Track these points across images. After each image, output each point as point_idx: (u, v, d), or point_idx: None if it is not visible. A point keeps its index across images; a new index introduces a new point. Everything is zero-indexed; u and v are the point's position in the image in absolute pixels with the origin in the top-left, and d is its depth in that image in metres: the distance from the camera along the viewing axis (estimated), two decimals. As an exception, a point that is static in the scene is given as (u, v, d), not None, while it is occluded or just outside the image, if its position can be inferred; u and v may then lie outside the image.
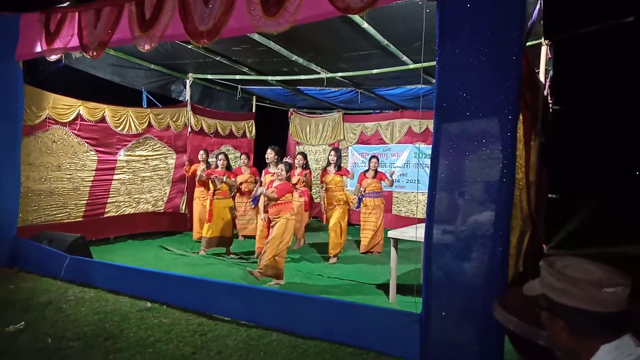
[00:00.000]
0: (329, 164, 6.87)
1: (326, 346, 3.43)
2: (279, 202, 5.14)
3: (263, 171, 6.84)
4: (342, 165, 6.97)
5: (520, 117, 2.99)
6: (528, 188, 3.50)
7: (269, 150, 6.57)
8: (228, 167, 6.92)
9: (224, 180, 6.60)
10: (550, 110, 3.77)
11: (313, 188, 7.48)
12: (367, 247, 6.88)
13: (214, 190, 6.60)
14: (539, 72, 4.04)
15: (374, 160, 6.92)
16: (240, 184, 7.39)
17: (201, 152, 7.33)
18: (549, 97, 3.87)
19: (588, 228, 2.90)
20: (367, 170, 6.93)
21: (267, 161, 6.58)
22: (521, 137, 3.12)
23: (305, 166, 6.97)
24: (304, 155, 7.08)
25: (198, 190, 7.30)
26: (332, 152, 6.85)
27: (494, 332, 2.90)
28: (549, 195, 3.28)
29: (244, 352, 3.34)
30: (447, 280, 3.10)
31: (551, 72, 3.87)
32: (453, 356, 3.09)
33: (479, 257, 2.94)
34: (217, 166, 6.83)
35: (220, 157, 6.85)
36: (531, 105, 3.46)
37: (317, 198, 9.46)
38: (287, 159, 6.14)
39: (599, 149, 2.97)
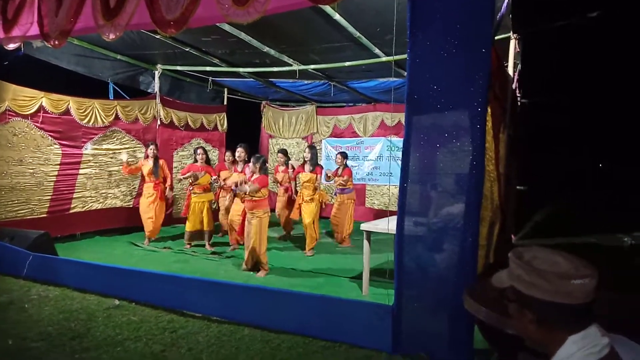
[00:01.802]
0: (304, 161, 6.85)
1: (299, 340, 3.42)
2: (254, 198, 5.18)
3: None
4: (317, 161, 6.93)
5: (489, 110, 3.03)
6: (499, 180, 3.56)
7: (239, 149, 6.54)
8: (207, 162, 6.78)
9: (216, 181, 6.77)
10: (519, 103, 3.84)
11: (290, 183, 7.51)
12: (339, 240, 7.11)
13: (192, 184, 6.53)
14: (507, 65, 4.10)
15: (339, 156, 7.02)
16: (224, 180, 7.14)
17: (151, 146, 6.79)
18: (517, 90, 3.94)
19: (555, 219, 2.96)
20: (338, 168, 7.04)
21: (237, 159, 6.57)
22: (490, 129, 3.16)
23: (286, 163, 7.15)
24: (285, 152, 7.28)
25: (146, 186, 6.91)
26: (307, 150, 6.83)
27: (464, 322, 2.94)
28: (517, 187, 3.34)
29: (216, 347, 3.29)
30: (419, 271, 3.13)
31: (519, 66, 3.94)
32: (424, 346, 3.13)
33: (449, 249, 2.98)
34: (195, 161, 6.68)
35: (198, 151, 6.70)
36: (500, 97, 3.50)
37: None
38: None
39: (566, 141, 3.04)
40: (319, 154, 9.33)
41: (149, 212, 6.73)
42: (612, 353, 1.05)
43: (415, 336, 3.16)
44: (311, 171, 6.65)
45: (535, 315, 1.09)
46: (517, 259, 1.13)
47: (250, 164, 5.47)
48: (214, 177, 6.82)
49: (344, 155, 7.03)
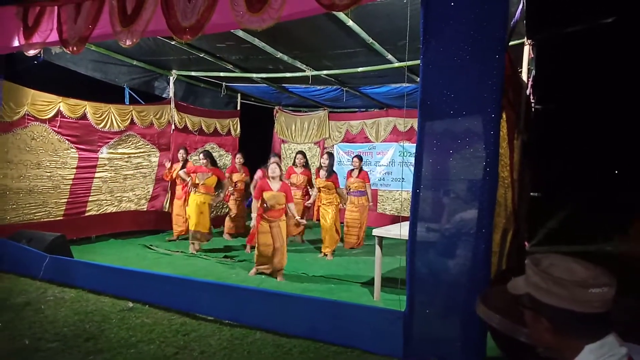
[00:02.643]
0: (320, 167, 6.87)
1: (310, 345, 3.42)
2: (282, 206, 5.36)
3: (260, 171, 6.85)
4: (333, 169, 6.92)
5: (504, 116, 3.02)
6: (513, 186, 3.54)
7: (299, 156, 7.09)
8: (213, 164, 6.88)
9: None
10: (533, 109, 3.81)
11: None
12: (352, 245, 7.07)
13: (194, 184, 6.63)
14: (521, 71, 4.08)
15: (355, 159, 7.07)
16: (235, 183, 7.52)
17: (181, 151, 7.39)
18: (531, 97, 3.92)
19: (569, 226, 2.93)
20: (353, 170, 7.08)
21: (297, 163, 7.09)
22: (505, 136, 3.14)
23: (306, 165, 7.19)
24: (304, 155, 7.28)
25: (178, 189, 7.33)
26: (325, 156, 6.83)
27: (476, 329, 2.92)
28: (531, 194, 3.31)
29: (228, 351, 3.31)
30: (431, 277, 3.12)
31: (533, 72, 3.91)
32: (436, 352, 3.11)
33: (462, 255, 2.96)
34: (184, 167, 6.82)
35: (201, 155, 6.82)
36: (514, 104, 3.49)
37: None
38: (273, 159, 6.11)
39: (581, 148, 3.01)
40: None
41: (180, 212, 7.17)
42: None
43: (427, 342, 3.14)
44: (327, 178, 6.65)
45: (552, 323, 1.08)
46: (535, 265, 1.12)
47: (273, 169, 5.41)
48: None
49: (360, 158, 7.10)
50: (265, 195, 5.27)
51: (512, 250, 3.64)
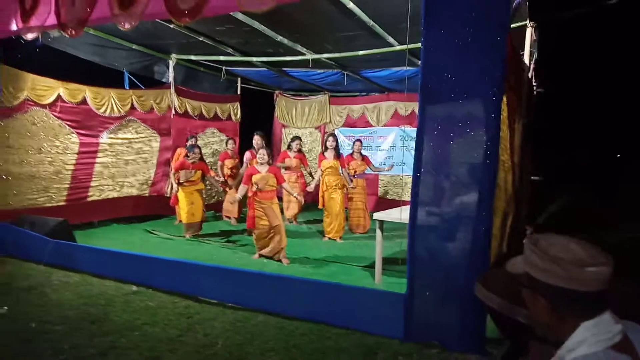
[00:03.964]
0: (326, 149, 6.90)
1: (312, 327, 3.47)
2: (274, 188, 5.45)
3: (248, 153, 7.05)
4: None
5: (505, 99, 3.01)
6: (513, 170, 3.54)
7: (256, 137, 7.04)
8: (201, 159, 6.89)
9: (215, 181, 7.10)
10: (535, 92, 3.79)
11: (306, 171, 7.71)
12: (359, 228, 7.14)
13: (179, 182, 6.63)
14: (523, 54, 4.05)
15: (357, 143, 7.15)
16: (230, 169, 7.67)
17: (192, 139, 7.36)
18: (533, 80, 3.89)
19: (570, 210, 2.95)
20: (353, 153, 7.13)
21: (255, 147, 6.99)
22: (505, 119, 3.14)
23: (300, 150, 7.40)
24: (300, 140, 7.52)
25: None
26: (331, 138, 6.88)
27: (476, 311, 2.96)
28: (532, 177, 3.32)
29: (231, 333, 3.36)
30: (431, 260, 3.15)
31: (535, 55, 3.88)
32: (436, 334, 3.15)
33: (462, 238, 2.98)
34: (187, 156, 6.72)
35: (195, 150, 6.73)
36: (515, 87, 3.47)
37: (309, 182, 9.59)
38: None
39: (582, 132, 3.00)
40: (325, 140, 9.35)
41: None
42: (625, 340, 1.04)
43: (427, 324, 3.19)
44: (335, 158, 6.74)
45: (549, 301, 1.10)
46: (533, 245, 1.14)
47: (262, 155, 5.53)
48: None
49: (361, 142, 7.25)
50: (254, 178, 5.38)
51: (512, 234, 3.67)
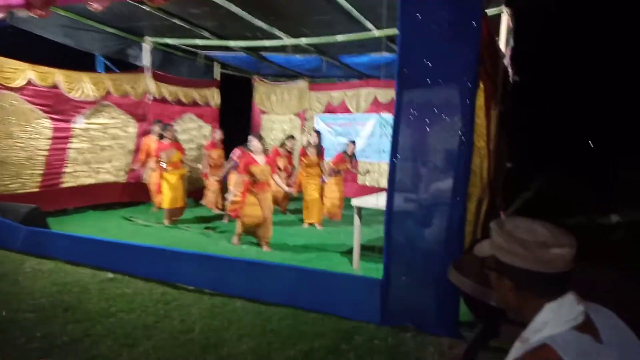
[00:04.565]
0: (308, 143, 6.95)
1: (290, 312, 3.48)
2: (268, 180, 5.46)
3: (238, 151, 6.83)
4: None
5: (481, 86, 3.03)
6: (489, 156, 3.59)
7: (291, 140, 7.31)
8: (175, 139, 6.83)
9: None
10: (510, 80, 3.84)
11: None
12: (334, 215, 7.17)
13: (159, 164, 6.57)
14: (499, 40, 4.08)
15: (351, 145, 7.23)
16: (215, 159, 7.53)
17: (156, 125, 7.24)
18: (510, 67, 3.93)
19: (544, 196, 3.01)
20: (345, 153, 7.14)
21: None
22: (482, 105, 3.17)
23: (292, 150, 7.48)
24: (294, 139, 7.66)
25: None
26: (314, 134, 6.97)
27: (450, 295, 3.01)
28: (507, 164, 3.37)
29: (208, 319, 3.35)
30: (408, 246, 3.18)
31: (512, 42, 3.92)
32: (412, 318, 3.21)
33: (437, 224, 3.02)
34: (161, 137, 6.64)
35: (168, 128, 6.70)
36: (492, 74, 3.50)
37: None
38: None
39: (557, 119, 3.05)
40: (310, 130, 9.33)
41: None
42: (587, 320, 1.07)
43: (403, 308, 3.24)
44: (318, 155, 6.84)
45: (514, 283, 1.12)
46: (499, 228, 1.15)
47: (255, 146, 5.44)
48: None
49: (354, 144, 7.32)
50: (255, 169, 5.31)
51: (487, 220, 3.73)
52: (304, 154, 6.93)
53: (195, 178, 8.24)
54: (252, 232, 5.49)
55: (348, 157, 7.16)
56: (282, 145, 7.40)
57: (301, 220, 6.93)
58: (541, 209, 2.98)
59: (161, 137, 6.67)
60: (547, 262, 1.07)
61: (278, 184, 5.83)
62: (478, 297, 2.08)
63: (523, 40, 3.10)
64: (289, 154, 7.43)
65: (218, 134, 7.69)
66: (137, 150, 7.84)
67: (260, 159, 5.40)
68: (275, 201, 7.53)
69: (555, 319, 1.06)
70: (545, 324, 1.07)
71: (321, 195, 6.95)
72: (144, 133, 7.77)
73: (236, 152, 6.81)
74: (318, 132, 7.11)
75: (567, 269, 1.09)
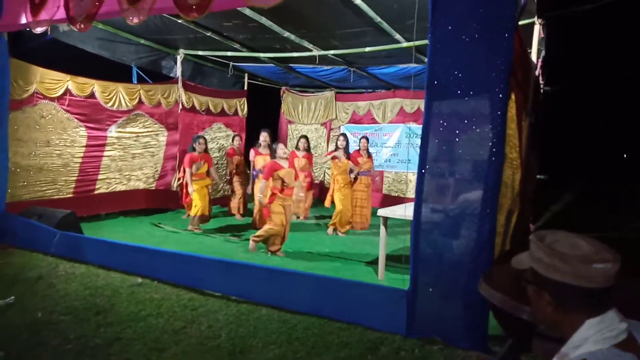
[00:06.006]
0: (337, 148, 7.01)
1: (315, 321, 3.48)
2: (290, 185, 5.49)
3: (252, 151, 7.06)
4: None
5: (513, 97, 3.00)
6: (521, 168, 3.53)
7: (264, 133, 7.13)
8: (205, 150, 6.96)
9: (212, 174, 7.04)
10: (541, 90, 3.78)
11: (315, 169, 7.83)
12: (362, 225, 7.17)
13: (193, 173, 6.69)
14: (531, 51, 4.03)
15: (363, 140, 7.23)
16: (237, 165, 7.76)
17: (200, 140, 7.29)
18: (540, 77, 3.87)
19: (575, 209, 2.93)
20: (360, 150, 7.18)
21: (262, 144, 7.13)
22: (514, 117, 3.13)
23: (308, 149, 7.42)
24: (307, 139, 7.54)
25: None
26: (342, 138, 7.02)
27: (479, 308, 2.96)
28: (538, 176, 3.30)
29: (234, 326, 3.38)
30: (435, 257, 3.15)
31: (543, 52, 3.86)
32: (438, 331, 3.16)
33: (466, 235, 2.98)
34: (193, 149, 6.78)
35: (200, 140, 6.83)
36: (523, 84, 3.46)
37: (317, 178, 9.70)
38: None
39: (589, 131, 2.98)
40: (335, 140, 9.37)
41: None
42: (630, 338, 1.03)
43: (429, 320, 3.19)
44: (347, 158, 6.89)
45: (553, 297, 1.09)
46: (539, 241, 1.13)
47: (283, 151, 5.56)
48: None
49: (368, 140, 7.31)
50: (281, 173, 5.35)
51: (516, 232, 3.66)
52: (334, 159, 6.95)
53: (222, 188, 8.45)
54: (276, 242, 5.50)
55: (366, 154, 7.15)
56: (297, 147, 7.38)
57: (325, 225, 6.96)
58: (572, 222, 2.90)
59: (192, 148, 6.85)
60: (588, 277, 1.04)
61: (296, 190, 5.85)
62: (509, 311, 2.03)
63: (555, 49, 3.06)
64: (309, 153, 7.39)
65: (237, 141, 7.93)
66: (166, 157, 8.06)
67: (285, 163, 5.49)
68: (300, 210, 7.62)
69: (595, 335, 1.03)
70: (585, 340, 1.03)
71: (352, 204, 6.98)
72: (174, 141, 7.97)
73: (251, 153, 7.11)
74: (345, 136, 7.11)
75: (609, 284, 1.05)
